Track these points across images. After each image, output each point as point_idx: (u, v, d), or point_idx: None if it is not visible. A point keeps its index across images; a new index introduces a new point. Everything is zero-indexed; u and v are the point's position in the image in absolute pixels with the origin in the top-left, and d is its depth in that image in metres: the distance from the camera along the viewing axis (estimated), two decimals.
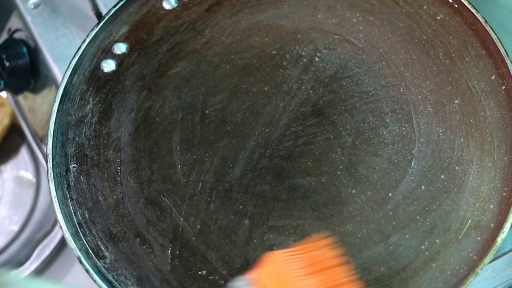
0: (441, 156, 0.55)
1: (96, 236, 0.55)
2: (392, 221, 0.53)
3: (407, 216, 0.53)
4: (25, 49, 0.74)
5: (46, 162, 0.57)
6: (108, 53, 0.61)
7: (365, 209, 0.54)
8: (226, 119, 0.58)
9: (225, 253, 0.53)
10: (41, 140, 0.79)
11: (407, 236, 0.53)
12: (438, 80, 0.57)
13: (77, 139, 0.58)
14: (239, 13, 0.62)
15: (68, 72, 0.59)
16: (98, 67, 0.61)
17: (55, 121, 0.58)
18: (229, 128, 0.58)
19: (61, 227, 0.54)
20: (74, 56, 0.60)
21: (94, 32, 0.61)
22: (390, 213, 0.53)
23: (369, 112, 0.57)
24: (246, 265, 0.53)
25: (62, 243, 0.78)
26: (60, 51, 0.71)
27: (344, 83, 0.58)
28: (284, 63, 0.60)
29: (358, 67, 0.59)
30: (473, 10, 0.58)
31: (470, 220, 0.53)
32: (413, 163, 0.55)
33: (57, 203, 0.55)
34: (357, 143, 0.56)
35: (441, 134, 0.56)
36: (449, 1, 0.59)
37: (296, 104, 0.58)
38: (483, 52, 0.58)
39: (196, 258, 0.53)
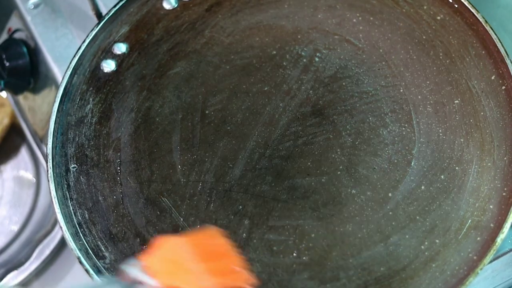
0: (441, 156, 0.55)
1: (96, 236, 0.55)
2: (392, 221, 0.53)
3: (407, 216, 0.53)
4: (25, 49, 0.74)
5: (46, 162, 0.57)
6: (108, 53, 0.61)
7: (365, 209, 0.54)
8: (226, 119, 0.58)
9: None
10: (41, 140, 0.79)
11: (407, 236, 0.53)
12: (438, 80, 0.57)
13: (77, 139, 0.58)
14: (239, 13, 0.62)
15: (68, 72, 0.60)
16: (98, 67, 0.61)
17: (55, 121, 0.58)
18: (229, 128, 0.58)
19: (61, 227, 0.54)
20: (74, 56, 0.60)
21: (94, 32, 0.61)
22: (390, 213, 0.53)
23: (369, 112, 0.57)
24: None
25: (62, 243, 0.78)
26: (60, 51, 0.71)
27: (344, 83, 0.58)
28: (284, 63, 0.59)
29: (358, 67, 0.59)
30: (473, 10, 0.58)
31: (470, 220, 0.53)
32: (413, 163, 0.55)
33: (57, 203, 0.55)
34: (357, 143, 0.56)
35: (441, 134, 0.56)
36: (449, 1, 0.59)
37: (296, 104, 0.58)
38: (483, 52, 0.58)
39: None
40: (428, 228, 0.53)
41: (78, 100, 0.60)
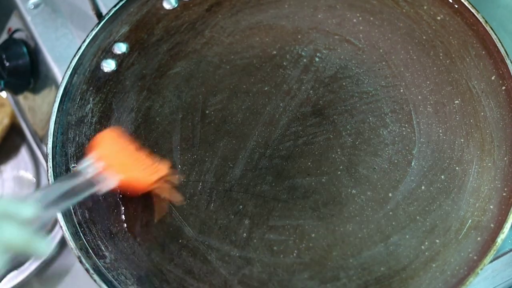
0: (441, 157, 0.55)
1: (96, 236, 0.55)
2: (392, 221, 0.53)
3: (407, 216, 0.53)
4: (25, 49, 0.74)
5: (46, 162, 0.57)
6: (108, 53, 0.61)
7: (365, 209, 0.54)
8: (226, 119, 0.58)
9: (225, 253, 0.53)
10: (41, 140, 0.79)
11: (407, 236, 0.53)
12: (438, 80, 0.57)
13: (77, 139, 0.58)
14: (239, 13, 0.62)
15: (68, 72, 0.60)
16: (98, 67, 0.61)
17: (55, 121, 0.58)
18: (229, 128, 0.58)
19: (61, 227, 0.54)
20: (74, 56, 0.60)
21: (94, 32, 0.61)
22: (390, 213, 0.53)
23: (369, 112, 0.57)
24: (246, 265, 0.53)
25: (62, 243, 0.78)
26: (60, 51, 0.71)
27: (344, 83, 0.58)
28: (284, 63, 0.60)
29: (358, 67, 0.59)
30: (473, 11, 0.58)
31: (470, 221, 0.53)
32: (413, 163, 0.55)
33: None
34: (357, 143, 0.56)
35: (441, 134, 0.56)
36: (449, 2, 0.59)
37: (296, 104, 0.58)
38: (483, 52, 0.58)
39: (196, 258, 0.53)
40: (429, 228, 0.53)
41: (78, 100, 0.60)
